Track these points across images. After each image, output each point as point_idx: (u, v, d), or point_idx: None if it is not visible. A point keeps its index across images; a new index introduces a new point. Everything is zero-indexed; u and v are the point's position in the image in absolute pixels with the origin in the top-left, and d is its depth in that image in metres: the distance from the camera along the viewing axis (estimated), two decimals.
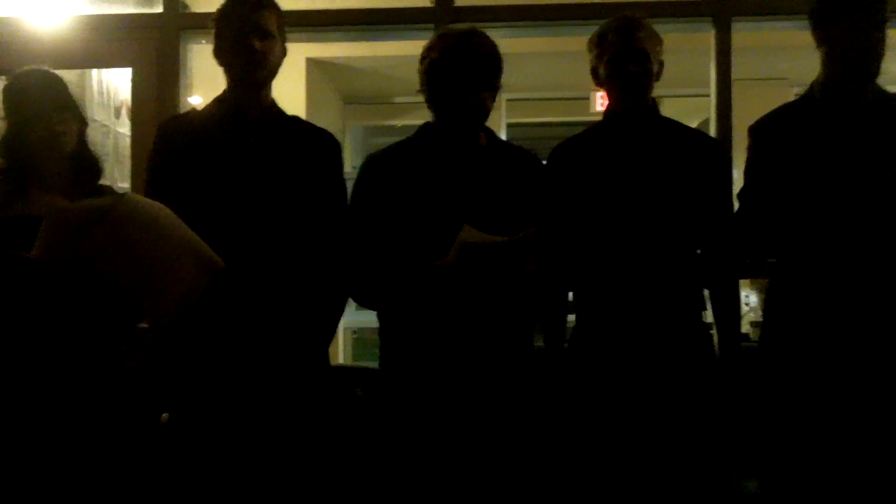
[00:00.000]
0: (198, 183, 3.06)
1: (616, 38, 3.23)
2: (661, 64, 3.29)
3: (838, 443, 3.09)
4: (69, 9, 4.89)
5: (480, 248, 2.86)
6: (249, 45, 3.07)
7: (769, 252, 3.36)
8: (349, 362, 7.69)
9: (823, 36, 3.19)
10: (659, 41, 3.28)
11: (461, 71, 3.04)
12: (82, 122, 3.23)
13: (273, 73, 3.18)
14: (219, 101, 3.20)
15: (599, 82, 3.31)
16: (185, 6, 4.65)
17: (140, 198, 2.87)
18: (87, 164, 3.23)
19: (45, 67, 3.21)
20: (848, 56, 3.13)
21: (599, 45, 3.27)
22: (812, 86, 3.29)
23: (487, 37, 3.12)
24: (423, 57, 3.13)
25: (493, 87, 3.11)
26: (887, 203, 3.08)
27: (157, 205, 2.84)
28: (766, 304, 3.35)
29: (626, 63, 3.20)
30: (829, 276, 3.11)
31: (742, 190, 3.35)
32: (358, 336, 8.37)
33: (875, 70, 3.18)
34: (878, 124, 3.14)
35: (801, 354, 3.13)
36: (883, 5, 3.13)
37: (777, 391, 3.21)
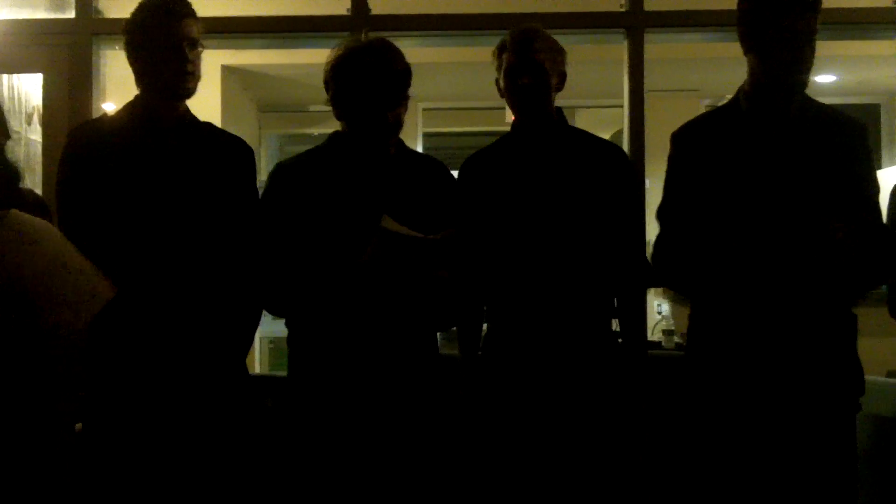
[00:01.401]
0: (113, 190, 3.02)
1: (511, 50, 3.26)
2: (563, 75, 3.32)
3: (761, 450, 3.10)
4: None
5: (398, 240, 2.87)
6: (183, 56, 3.05)
7: (693, 269, 3.33)
8: (265, 371, 7.65)
9: (754, 42, 3.14)
10: (560, 52, 3.30)
11: (378, 89, 3.04)
12: (5, 136, 3.18)
13: (199, 80, 3.17)
14: (132, 107, 3.16)
15: (501, 94, 3.34)
16: (98, 12, 4.60)
17: (24, 217, 2.82)
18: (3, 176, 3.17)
19: None
20: (780, 62, 3.08)
21: (499, 56, 3.30)
22: (738, 93, 3.25)
23: (397, 48, 3.14)
24: (335, 69, 3.12)
25: (405, 99, 3.14)
26: (811, 214, 3.04)
27: (46, 225, 2.80)
28: (692, 318, 3.33)
29: (519, 76, 3.23)
30: (752, 289, 3.09)
31: (661, 207, 3.30)
32: (274, 346, 8.33)
33: (805, 78, 3.14)
34: (804, 135, 3.12)
35: (727, 365, 3.13)
36: (814, 14, 3.10)
37: (704, 400, 3.20)
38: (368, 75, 3.04)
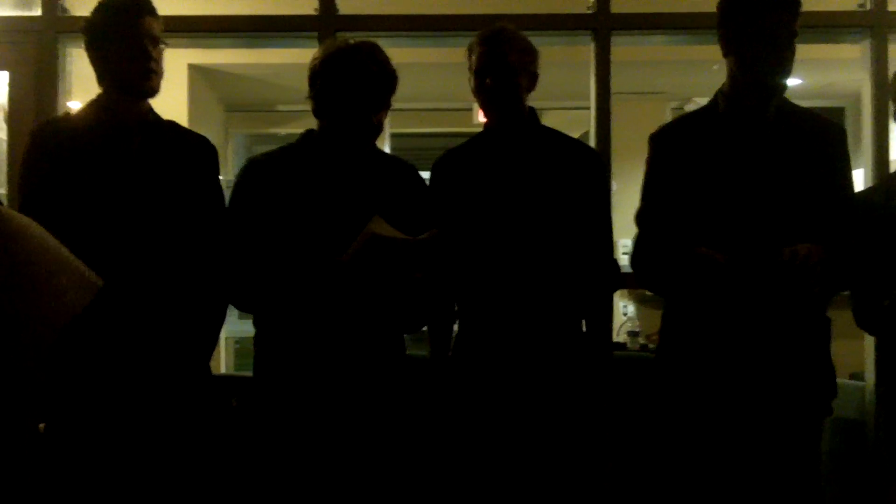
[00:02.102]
0: (77, 189, 3.02)
1: (479, 50, 3.27)
2: (534, 76, 3.33)
3: (731, 451, 3.13)
4: None
5: (385, 243, 2.87)
6: (145, 54, 3.05)
7: (668, 282, 3.33)
8: (231, 371, 7.63)
9: (733, 44, 3.16)
10: (530, 53, 3.31)
11: (366, 91, 3.06)
12: None
13: (162, 78, 3.15)
14: (96, 105, 3.16)
15: (473, 93, 3.34)
16: (65, 10, 4.57)
17: (9, 212, 2.80)
18: None
19: None
20: (760, 62, 3.10)
21: (469, 57, 3.31)
22: (716, 95, 3.27)
23: (384, 52, 3.15)
24: (323, 65, 3.13)
25: (389, 104, 3.15)
26: (788, 217, 3.08)
27: (28, 220, 2.78)
28: (665, 318, 3.34)
29: (486, 76, 3.24)
30: (728, 292, 3.08)
31: (640, 210, 3.32)
32: (240, 346, 8.31)
33: (784, 80, 3.17)
34: (782, 137, 3.13)
35: (700, 365, 3.15)
36: (794, 16, 3.12)
37: (676, 399, 3.22)
38: (357, 76, 3.05)
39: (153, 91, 3.13)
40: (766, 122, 3.15)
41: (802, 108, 3.28)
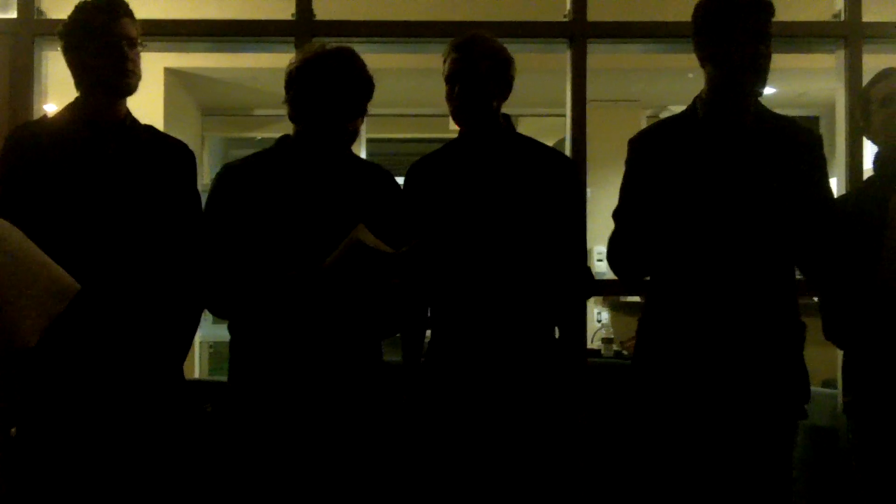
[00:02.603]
0: (53, 193, 3.01)
1: (452, 57, 3.28)
2: (507, 84, 3.34)
3: (705, 454, 3.15)
4: None
5: (368, 253, 2.87)
6: (122, 54, 3.05)
7: (644, 272, 3.35)
8: (205, 376, 7.61)
9: (710, 50, 3.18)
10: (503, 60, 3.32)
11: (342, 97, 3.07)
12: None
13: (139, 80, 3.15)
14: (72, 108, 3.15)
15: (446, 100, 3.35)
16: (41, 12, 4.55)
17: None
18: None
19: None
20: (737, 66, 3.12)
21: (443, 63, 3.32)
22: (695, 101, 3.28)
23: (361, 59, 3.15)
24: (300, 71, 3.12)
25: (365, 111, 3.16)
26: (763, 223, 3.09)
27: (6, 225, 2.78)
28: (641, 322, 3.35)
29: (456, 82, 3.26)
30: (703, 296, 3.13)
31: (617, 208, 3.33)
32: (214, 350, 8.29)
33: (762, 85, 3.19)
34: (759, 143, 3.15)
35: (676, 370, 3.15)
36: (768, 20, 3.14)
37: (652, 403, 3.23)
38: (333, 82, 3.06)
39: (129, 90, 3.13)
40: (744, 129, 3.17)
41: (780, 115, 3.30)
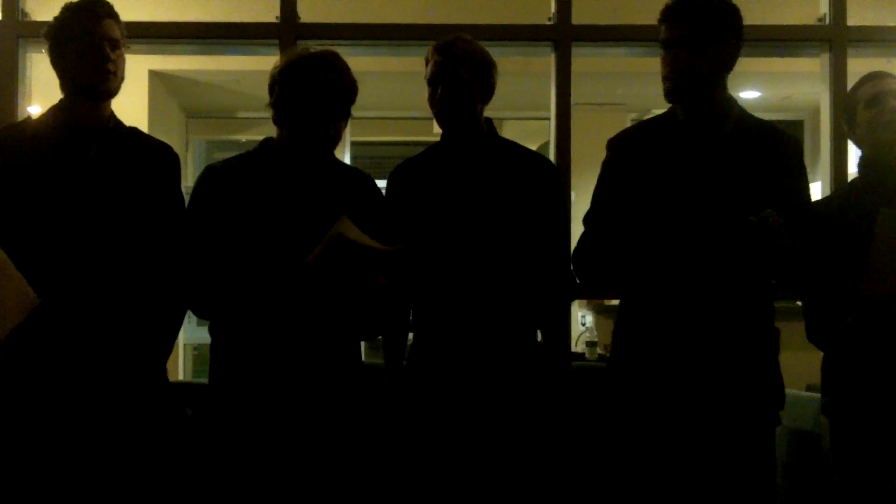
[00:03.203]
0: (35, 196, 3.00)
1: (434, 60, 3.28)
2: (489, 87, 3.33)
3: (682, 460, 3.13)
4: None
5: (350, 246, 2.86)
6: (103, 55, 3.04)
7: (606, 281, 3.34)
8: (189, 378, 7.60)
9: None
10: (484, 64, 3.31)
11: (325, 100, 3.06)
12: None
13: (122, 83, 3.14)
14: (56, 111, 3.14)
15: (428, 103, 3.35)
16: (25, 14, 4.54)
17: None
18: None
19: None
20: (681, 73, 3.13)
21: (426, 66, 3.32)
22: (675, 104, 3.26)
23: (345, 62, 3.14)
24: (283, 74, 3.11)
25: (349, 114, 3.15)
26: (738, 227, 3.02)
27: None
28: (616, 329, 3.33)
29: (436, 85, 3.26)
30: (676, 303, 3.11)
31: (589, 212, 3.31)
32: (198, 352, 8.28)
33: (716, 84, 3.15)
34: (738, 147, 3.13)
35: (650, 376, 3.14)
36: (714, 23, 3.12)
37: (627, 409, 3.21)
38: (317, 85, 3.05)
39: (111, 92, 3.12)
40: (723, 133, 3.16)
41: (761, 120, 3.28)
